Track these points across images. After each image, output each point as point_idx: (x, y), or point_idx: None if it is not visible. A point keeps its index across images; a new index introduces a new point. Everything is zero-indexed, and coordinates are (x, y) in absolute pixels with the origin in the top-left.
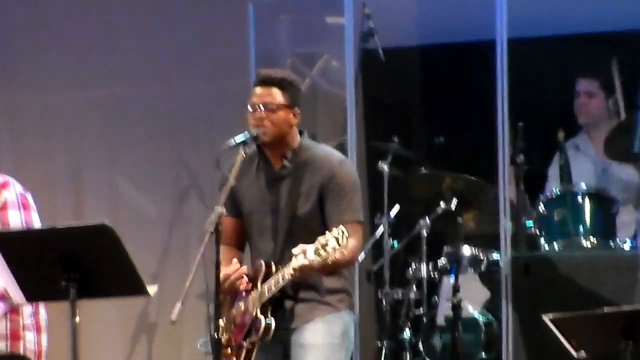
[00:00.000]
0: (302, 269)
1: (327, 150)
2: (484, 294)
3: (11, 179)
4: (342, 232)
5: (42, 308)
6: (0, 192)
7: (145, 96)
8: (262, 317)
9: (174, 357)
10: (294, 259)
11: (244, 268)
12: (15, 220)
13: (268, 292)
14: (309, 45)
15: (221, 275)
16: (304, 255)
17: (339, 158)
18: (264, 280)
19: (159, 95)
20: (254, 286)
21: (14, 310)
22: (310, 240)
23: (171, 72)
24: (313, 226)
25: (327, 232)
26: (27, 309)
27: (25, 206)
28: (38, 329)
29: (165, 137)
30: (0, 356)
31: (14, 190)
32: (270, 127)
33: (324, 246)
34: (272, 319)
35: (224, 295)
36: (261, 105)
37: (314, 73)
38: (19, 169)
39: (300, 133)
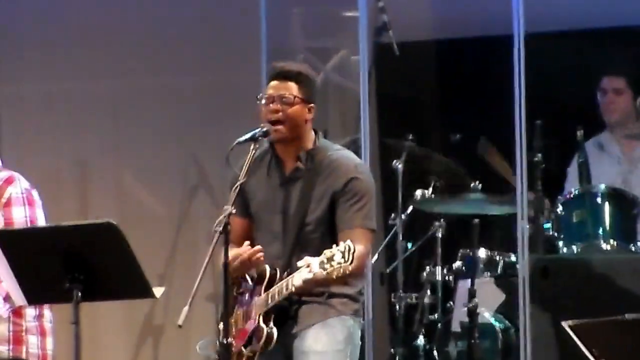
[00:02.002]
0: (306, 283)
1: (342, 153)
2: (499, 297)
3: (17, 175)
4: (349, 247)
5: (47, 310)
6: (5, 188)
7: (153, 89)
8: (264, 326)
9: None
10: (298, 272)
11: (258, 247)
12: (19, 216)
13: (271, 300)
14: (322, 39)
15: (231, 255)
16: (309, 269)
17: (355, 162)
18: (267, 287)
19: (167, 88)
20: (257, 292)
21: (17, 312)
22: (319, 245)
23: (180, 64)
24: (322, 232)
25: (334, 245)
26: (30, 312)
27: (30, 202)
28: (42, 333)
29: (173, 132)
30: None
31: (19, 186)
32: (286, 120)
33: (329, 260)
34: (274, 328)
35: (233, 277)
36: (277, 98)
37: (327, 68)
38: (22, 163)
39: (315, 132)
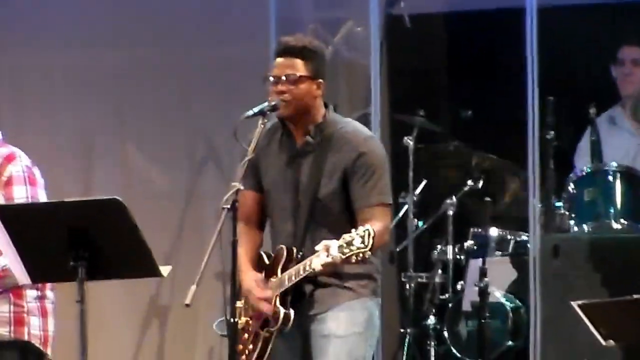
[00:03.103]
0: (325, 267)
1: (353, 126)
2: (510, 276)
3: (18, 151)
4: (369, 232)
5: (49, 291)
6: (5, 165)
7: (159, 61)
8: (280, 308)
9: (188, 341)
10: (316, 255)
11: (269, 292)
12: (21, 196)
13: (288, 281)
14: (332, 10)
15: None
16: (327, 252)
17: (365, 134)
18: (284, 267)
19: (173, 60)
20: (274, 273)
21: (18, 293)
22: (334, 221)
23: (187, 35)
24: (336, 207)
25: (353, 230)
26: (31, 292)
27: (31, 181)
28: (44, 313)
29: (180, 105)
30: (3, 342)
31: (20, 163)
32: (293, 100)
33: (348, 244)
34: (292, 310)
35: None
36: (283, 77)
37: (337, 40)
38: (22, 139)
39: (326, 106)
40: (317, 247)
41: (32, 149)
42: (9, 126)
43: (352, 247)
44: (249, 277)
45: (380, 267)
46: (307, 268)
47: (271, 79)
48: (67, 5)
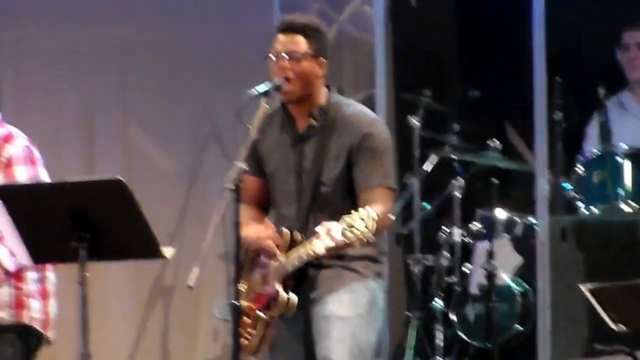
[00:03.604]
0: (328, 251)
1: (357, 108)
2: (518, 259)
3: (15, 131)
4: (370, 214)
5: (50, 272)
6: (4, 146)
7: (162, 39)
8: (284, 293)
9: (192, 323)
10: (318, 239)
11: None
12: (22, 177)
13: (291, 266)
14: None
15: (253, 234)
16: (329, 236)
17: (370, 117)
18: (287, 250)
19: (176, 39)
20: (276, 256)
21: (17, 276)
22: (338, 205)
23: (190, 14)
24: (340, 192)
25: (353, 212)
26: (32, 275)
27: (32, 161)
28: (44, 296)
29: (183, 84)
30: (3, 326)
31: (19, 144)
32: (296, 78)
33: (350, 227)
34: (294, 295)
35: (247, 254)
36: (284, 54)
37: (342, 18)
38: (24, 117)
39: (328, 88)
40: (318, 229)
41: (33, 128)
42: (10, 105)
43: (354, 230)
44: (251, 229)
45: (385, 248)
46: (311, 253)
47: (273, 56)
48: None
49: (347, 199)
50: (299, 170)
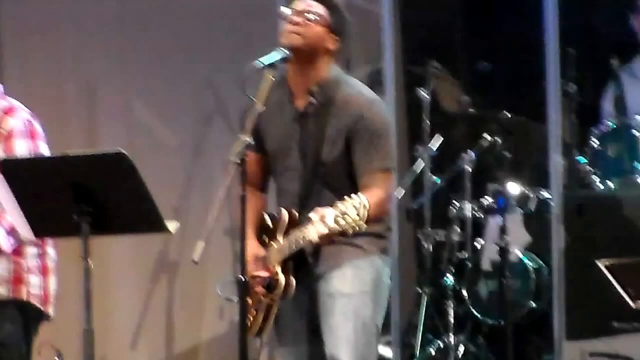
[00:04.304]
0: (322, 238)
1: (356, 88)
2: (532, 232)
3: (17, 104)
4: (362, 203)
5: (50, 248)
6: (5, 119)
7: (165, 9)
8: (282, 276)
9: (197, 300)
10: (312, 225)
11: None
12: (22, 150)
13: (288, 250)
14: None
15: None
16: (322, 222)
17: (368, 97)
18: (286, 232)
19: (179, 11)
20: (274, 236)
21: (18, 251)
22: (339, 185)
23: None
24: (340, 171)
25: (347, 198)
26: (31, 250)
27: (33, 135)
28: (44, 271)
29: (187, 55)
30: (1, 302)
31: (21, 117)
32: (306, 36)
33: (343, 214)
34: (293, 280)
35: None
36: (302, 13)
37: None
38: (25, 90)
39: (347, 63)
40: (311, 216)
41: (36, 101)
42: (12, 78)
43: (347, 218)
44: (248, 249)
45: (391, 225)
46: (306, 239)
47: (287, 11)
48: None
49: (347, 178)
50: (300, 148)
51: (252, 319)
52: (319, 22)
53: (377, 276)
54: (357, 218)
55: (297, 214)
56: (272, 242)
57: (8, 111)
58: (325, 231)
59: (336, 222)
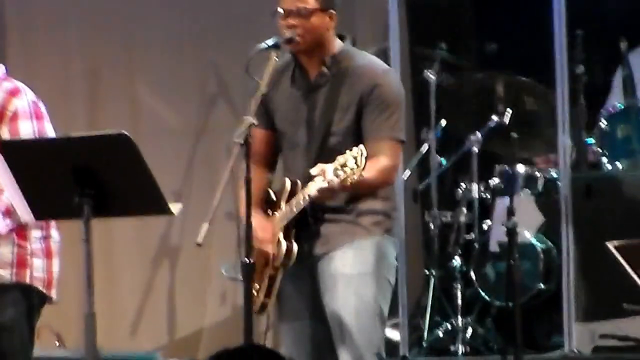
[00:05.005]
0: (321, 192)
1: (370, 59)
2: (540, 216)
3: (22, 85)
4: (361, 151)
5: (54, 230)
6: (10, 99)
7: None
8: (283, 241)
9: (200, 283)
10: (312, 181)
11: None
12: (27, 131)
13: (290, 213)
14: None
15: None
16: (323, 176)
17: (382, 67)
18: (288, 200)
19: None
20: (278, 207)
21: (21, 234)
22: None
23: None
24: (349, 143)
25: (347, 150)
26: (36, 233)
27: (38, 116)
28: (48, 254)
29: (190, 38)
30: (3, 285)
31: (26, 98)
32: (304, 34)
33: (342, 166)
34: (295, 244)
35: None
36: (293, 10)
37: None
38: (29, 73)
39: (342, 39)
40: (312, 171)
41: (40, 82)
42: (17, 60)
43: (345, 169)
44: (255, 223)
45: (397, 204)
46: (306, 197)
47: (281, 12)
48: None
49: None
50: (308, 122)
51: (255, 293)
52: (312, 12)
53: (381, 257)
54: (356, 167)
55: (300, 183)
56: (275, 213)
57: (13, 92)
58: (325, 185)
59: (336, 174)
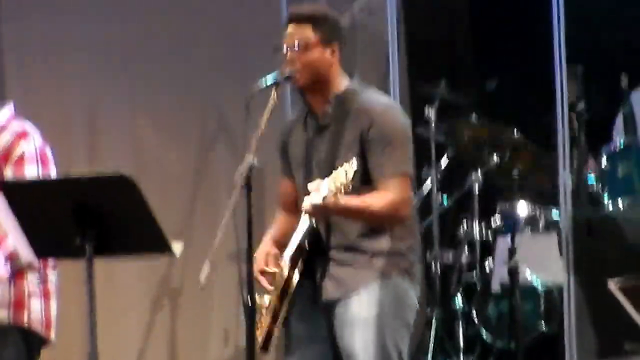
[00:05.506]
0: (315, 208)
1: (371, 97)
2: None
3: (30, 128)
4: (352, 164)
5: (52, 273)
6: (17, 142)
7: (168, 32)
8: (285, 270)
9: (202, 325)
10: (308, 196)
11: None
12: (32, 176)
13: (294, 240)
14: None
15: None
16: (317, 191)
17: (381, 105)
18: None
19: (182, 31)
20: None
21: (19, 275)
22: (354, 193)
23: (195, 5)
24: (357, 181)
25: (339, 166)
26: (33, 275)
27: (44, 161)
28: (46, 295)
29: (190, 78)
30: (2, 327)
31: (33, 142)
32: (304, 68)
33: (335, 179)
34: (296, 273)
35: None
36: (292, 45)
37: (354, 7)
38: (29, 112)
39: (351, 76)
40: (309, 186)
41: (40, 121)
42: (16, 98)
43: (336, 183)
44: (258, 250)
45: (415, 244)
46: (304, 215)
47: (282, 47)
48: None
49: (364, 188)
50: (317, 162)
51: (259, 326)
52: (311, 45)
53: (397, 299)
54: (345, 180)
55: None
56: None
57: (22, 135)
58: (319, 201)
59: (329, 189)
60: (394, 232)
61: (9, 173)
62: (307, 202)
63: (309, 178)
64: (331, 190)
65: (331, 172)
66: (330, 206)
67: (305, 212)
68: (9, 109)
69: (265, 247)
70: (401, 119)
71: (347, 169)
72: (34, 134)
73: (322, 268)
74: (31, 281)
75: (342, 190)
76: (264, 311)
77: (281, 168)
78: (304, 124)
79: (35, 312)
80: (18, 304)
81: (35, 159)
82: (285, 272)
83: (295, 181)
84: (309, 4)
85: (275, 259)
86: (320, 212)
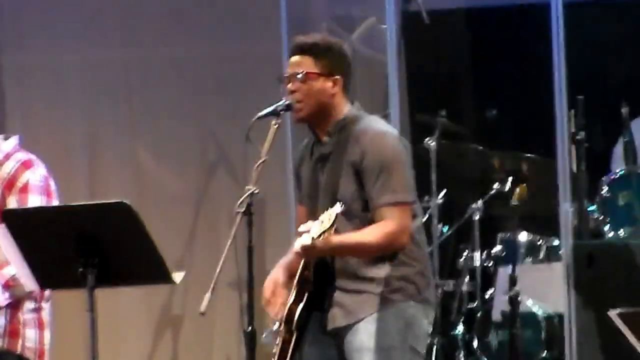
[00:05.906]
0: (304, 249)
1: (367, 124)
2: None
3: (35, 159)
4: (334, 210)
5: (46, 303)
6: (22, 171)
7: (169, 60)
8: (290, 301)
9: (203, 353)
10: (299, 238)
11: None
12: (35, 205)
13: (297, 274)
14: (346, 6)
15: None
16: (308, 233)
17: (375, 130)
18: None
19: (183, 59)
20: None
21: (14, 305)
22: (356, 222)
23: (197, 34)
24: (358, 208)
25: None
26: (28, 304)
27: (48, 193)
28: (40, 325)
29: (190, 106)
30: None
31: (38, 172)
32: (304, 99)
33: (321, 222)
34: (299, 307)
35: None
36: (294, 76)
37: (353, 37)
38: (30, 139)
39: (352, 103)
40: (300, 228)
41: (40, 149)
42: (17, 126)
43: (320, 227)
44: (268, 277)
45: (424, 269)
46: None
47: (284, 77)
48: (77, 4)
49: (366, 215)
50: (322, 191)
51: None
52: (312, 76)
53: (406, 325)
54: (328, 226)
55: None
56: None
57: (27, 164)
58: (308, 242)
59: (316, 231)
60: (398, 258)
61: (12, 201)
62: (297, 244)
63: (315, 206)
64: (317, 232)
65: (334, 201)
66: (320, 247)
67: (296, 254)
68: (15, 139)
69: (275, 275)
70: (394, 144)
71: (332, 213)
72: (39, 165)
73: (329, 296)
74: (26, 311)
75: (324, 236)
76: (278, 339)
77: (297, 194)
78: (311, 152)
79: (29, 341)
80: (13, 333)
81: (39, 190)
82: (287, 308)
83: (307, 206)
84: (313, 35)
85: (283, 287)
86: (310, 253)
